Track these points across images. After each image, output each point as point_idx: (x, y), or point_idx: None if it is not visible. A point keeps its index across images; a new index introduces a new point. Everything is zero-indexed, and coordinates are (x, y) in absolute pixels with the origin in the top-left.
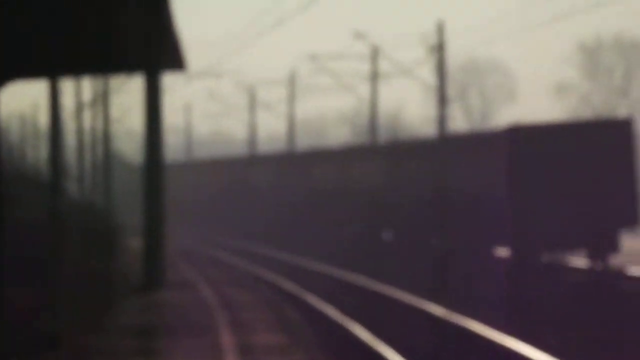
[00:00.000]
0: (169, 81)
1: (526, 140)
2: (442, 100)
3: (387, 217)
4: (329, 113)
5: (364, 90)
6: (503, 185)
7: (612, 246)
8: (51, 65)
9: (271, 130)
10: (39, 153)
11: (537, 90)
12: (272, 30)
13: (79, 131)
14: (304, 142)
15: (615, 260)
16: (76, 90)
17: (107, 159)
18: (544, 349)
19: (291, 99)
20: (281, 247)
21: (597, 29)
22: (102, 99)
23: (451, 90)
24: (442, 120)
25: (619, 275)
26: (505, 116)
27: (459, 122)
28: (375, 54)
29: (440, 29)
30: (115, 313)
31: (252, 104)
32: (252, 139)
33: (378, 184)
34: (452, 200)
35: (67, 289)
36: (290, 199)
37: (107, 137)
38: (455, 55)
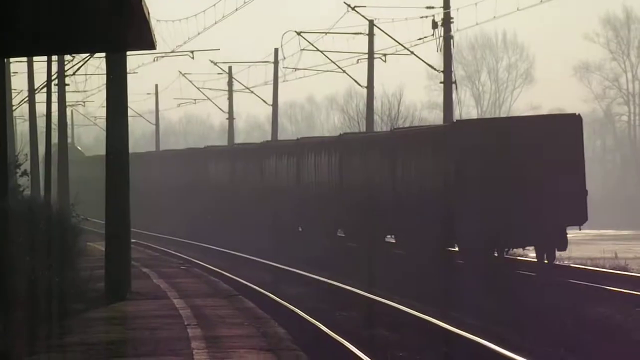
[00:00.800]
0: (135, 62)
1: (472, 136)
2: (449, 83)
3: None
4: (317, 97)
5: (358, 71)
6: (451, 181)
7: (560, 243)
8: (1, 44)
9: (251, 117)
10: None
11: (556, 70)
12: (251, 3)
13: (31, 118)
14: (289, 130)
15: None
16: (29, 72)
17: (63, 149)
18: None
19: (275, 81)
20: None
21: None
22: (58, 81)
23: (459, 72)
24: (448, 106)
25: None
26: (521, 101)
27: (468, 108)
28: (370, 30)
29: (445, 1)
30: (72, 329)
31: (230, 87)
32: (230, 127)
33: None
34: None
35: (16, 302)
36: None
37: (63, 123)
38: (463, 31)
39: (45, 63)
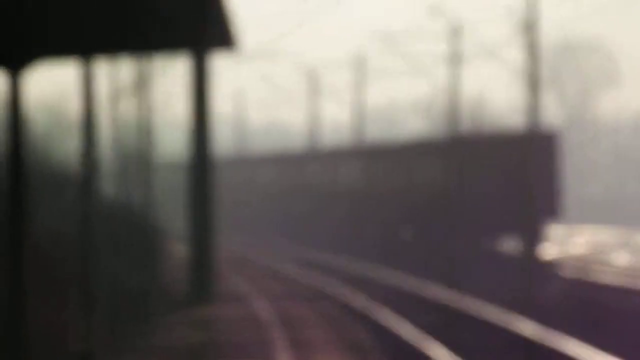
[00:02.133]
0: (219, 64)
1: (472, 148)
2: (534, 86)
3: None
4: (401, 100)
5: (441, 74)
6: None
7: (540, 234)
8: (83, 43)
9: (336, 120)
10: (69, 147)
11: None
12: (335, 5)
13: (115, 122)
14: (373, 133)
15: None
16: (112, 74)
17: (148, 153)
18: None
19: (359, 84)
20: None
21: None
22: (141, 84)
23: (544, 74)
24: (533, 109)
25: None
26: (606, 103)
27: (553, 111)
28: (454, 33)
29: (530, 3)
30: (156, 331)
31: (314, 89)
32: (313, 130)
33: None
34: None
35: (100, 304)
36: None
37: (147, 128)
38: (548, 33)
39: (128, 66)
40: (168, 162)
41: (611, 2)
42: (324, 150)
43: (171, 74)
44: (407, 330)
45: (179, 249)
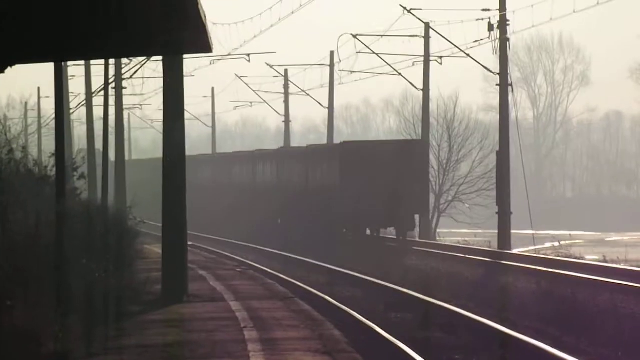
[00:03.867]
0: (192, 65)
1: (351, 152)
2: (505, 85)
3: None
4: (373, 100)
5: (414, 74)
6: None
7: (411, 225)
8: (57, 46)
9: (307, 120)
10: (47, 146)
11: (612, 72)
12: (306, 6)
13: (89, 121)
14: (345, 132)
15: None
16: (86, 75)
17: (121, 152)
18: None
19: (331, 84)
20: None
21: None
22: (116, 84)
23: (515, 74)
24: (504, 108)
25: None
26: (577, 103)
27: (524, 110)
28: (426, 33)
29: (502, 3)
30: (129, 331)
31: (286, 89)
32: (286, 130)
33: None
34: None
35: (73, 304)
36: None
37: (120, 127)
38: (519, 33)
39: (102, 66)
40: (145, 161)
41: (582, 5)
42: (246, 152)
43: (147, 75)
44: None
45: (154, 249)
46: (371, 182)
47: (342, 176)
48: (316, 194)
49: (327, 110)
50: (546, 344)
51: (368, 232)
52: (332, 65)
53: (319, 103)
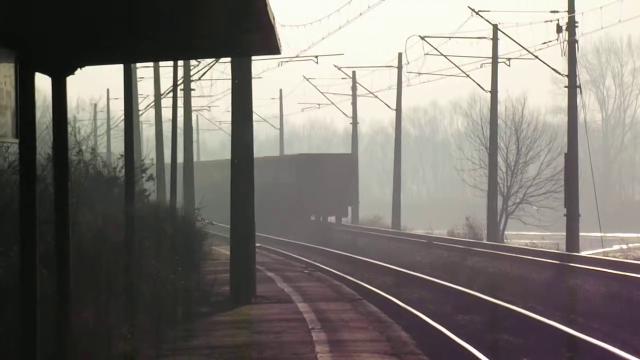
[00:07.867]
0: (260, 67)
1: (303, 161)
2: (573, 87)
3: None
4: (441, 102)
5: (482, 76)
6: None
7: (344, 213)
8: (127, 48)
9: (375, 122)
10: (116, 147)
11: None
12: (375, 8)
13: (157, 122)
14: (412, 134)
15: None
16: (155, 77)
17: (189, 153)
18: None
19: (398, 86)
20: None
21: None
22: (184, 86)
23: (583, 76)
24: (572, 110)
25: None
26: None
27: (592, 113)
28: (494, 35)
29: (570, 5)
30: (197, 332)
31: (354, 91)
32: (354, 131)
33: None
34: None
35: (143, 304)
36: None
37: (188, 128)
38: (587, 35)
39: (172, 68)
40: (213, 162)
41: None
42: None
43: (215, 77)
44: None
45: (222, 250)
46: (317, 182)
47: (297, 178)
48: (282, 190)
49: (394, 112)
50: (615, 346)
51: (313, 218)
52: (400, 67)
53: (387, 105)
